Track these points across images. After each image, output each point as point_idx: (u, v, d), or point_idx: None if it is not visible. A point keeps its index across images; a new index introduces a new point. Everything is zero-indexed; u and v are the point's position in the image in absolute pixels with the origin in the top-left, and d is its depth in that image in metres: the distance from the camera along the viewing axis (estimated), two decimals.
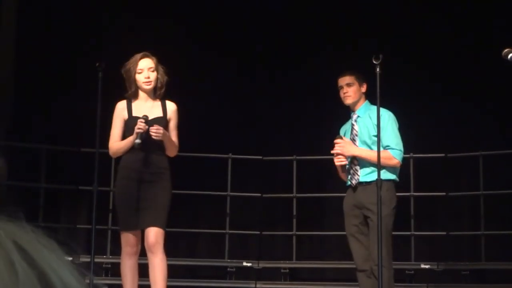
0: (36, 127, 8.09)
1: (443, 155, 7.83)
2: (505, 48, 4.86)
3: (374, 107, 5.32)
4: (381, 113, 5.27)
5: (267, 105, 8.47)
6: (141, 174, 5.09)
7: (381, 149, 5.22)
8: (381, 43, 7.54)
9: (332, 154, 5.40)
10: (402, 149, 5.34)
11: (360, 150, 5.33)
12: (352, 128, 5.46)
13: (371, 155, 5.23)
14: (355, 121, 5.46)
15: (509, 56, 4.82)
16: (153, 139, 5.08)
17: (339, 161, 5.38)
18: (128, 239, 5.08)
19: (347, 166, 5.41)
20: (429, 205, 8.08)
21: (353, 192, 5.38)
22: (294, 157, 8.11)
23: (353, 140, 5.40)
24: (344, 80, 5.50)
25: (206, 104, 8.49)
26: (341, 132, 5.57)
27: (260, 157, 8.19)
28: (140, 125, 5.01)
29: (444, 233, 7.85)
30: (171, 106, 5.28)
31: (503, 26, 7.73)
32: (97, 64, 5.46)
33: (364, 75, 5.48)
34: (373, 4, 8.40)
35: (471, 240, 8.04)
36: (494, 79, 7.66)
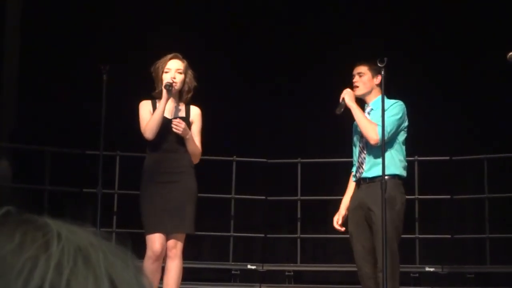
0: (40, 129, 8.10)
1: (447, 158, 7.81)
2: (509, 52, 4.85)
3: (390, 101, 5.21)
4: (390, 103, 5.19)
5: (272, 107, 8.46)
6: (163, 176, 5.05)
7: (393, 140, 5.14)
8: (386, 45, 7.53)
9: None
10: (386, 135, 5.07)
11: (355, 106, 5.16)
12: None
13: (360, 113, 5.13)
14: (368, 113, 5.27)
15: None
16: (175, 137, 5.05)
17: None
18: (152, 242, 4.98)
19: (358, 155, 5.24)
20: (433, 208, 8.07)
21: (357, 189, 5.20)
22: (298, 159, 8.10)
23: None
24: (356, 70, 5.33)
25: (210, 106, 8.47)
26: (354, 126, 5.40)
27: (265, 159, 8.19)
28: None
29: (449, 236, 7.84)
30: (195, 110, 5.24)
31: (508, 28, 7.71)
32: (101, 67, 5.45)
33: (380, 66, 5.23)
34: (379, 6, 8.39)
35: (476, 243, 8.02)
36: (499, 82, 7.64)
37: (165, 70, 5.12)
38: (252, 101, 8.49)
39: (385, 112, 5.08)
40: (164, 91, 5.03)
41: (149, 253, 4.99)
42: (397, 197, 5.06)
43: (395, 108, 5.19)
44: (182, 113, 5.17)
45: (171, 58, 5.15)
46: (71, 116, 8.13)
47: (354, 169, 5.29)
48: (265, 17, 8.63)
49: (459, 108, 8.10)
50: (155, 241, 4.98)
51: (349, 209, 5.24)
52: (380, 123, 5.06)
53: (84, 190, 7.77)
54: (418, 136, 7.78)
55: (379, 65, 5.06)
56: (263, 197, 8.18)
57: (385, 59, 5.04)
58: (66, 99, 8.19)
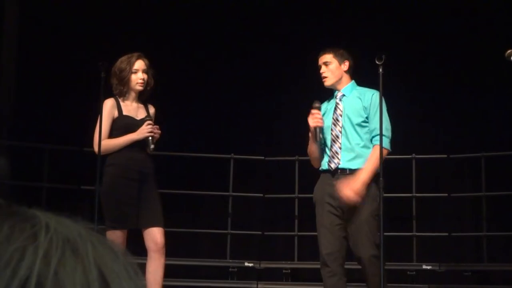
0: (38, 127, 8.10)
1: (445, 156, 7.82)
2: (508, 49, 4.86)
3: (362, 89, 5.06)
4: (369, 94, 4.97)
5: (270, 105, 8.46)
6: (133, 172, 5.11)
7: (366, 131, 4.91)
8: (384, 42, 7.53)
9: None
10: (390, 134, 4.94)
11: (363, 175, 4.81)
12: (336, 107, 5.06)
13: (372, 169, 4.82)
14: (340, 100, 5.07)
15: None
16: (143, 138, 5.17)
17: (315, 122, 4.91)
18: (116, 238, 4.97)
19: (328, 148, 4.98)
20: (431, 206, 8.07)
21: (331, 178, 4.93)
22: (296, 157, 8.10)
23: (336, 120, 5.02)
24: (321, 59, 5.09)
25: (208, 104, 8.49)
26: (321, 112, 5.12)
27: (263, 157, 8.19)
28: (153, 130, 5.12)
29: (446, 234, 7.85)
30: (152, 110, 5.36)
31: (507, 26, 7.72)
32: (99, 63, 5.47)
33: (347, 51, 5.11)
34: (378, 4, 8.40)
35: (473, 241, 8.03)
36: (496, 80, 7.65)
37: (133, 70, 5.20)
38: (250, 98, 8.49)
39: (375, 109, 4.91)
40: (143, 134, 5.11)
41: None
42: (377, 191, 4.90)
43: (379, 103, 4.95)
44: (144, 113, 5.26)
45: (137, 59, 5.23)
46: (69, 113, 8.12)
47: (326, 158, 5.02)
48: (261, 15, 8.63)
49: (456, 106, 8.11)
50: (118, 237, 5.00)
51: (315, 199, 5.04)
52: (374, 124, 4.90)
53: (82, 187, 7.78)
54: (415, 134, 7.81)
55: (377, 62, 5.00)
56: (261, 195, 8.19)
57: (383, 56, 5.01)
58: (64, 96, 8.19)
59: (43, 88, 8.28)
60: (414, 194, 7.76)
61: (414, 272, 7.45)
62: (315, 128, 4.97)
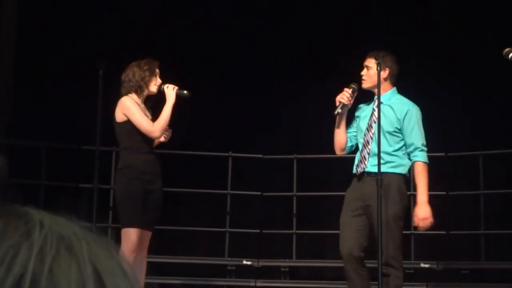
0: (36, 125, 8.09)
1: (443, 154, 7.82)
2: (506, 48, 4.87)
3: (401, 98, 5.14)
4: (409, 107, 5.08)
5: (268, 103, 8.46)
6: (146, 174, 5.23)
7: (397, 140, 5.05)
8: (383, 41, 7.53)
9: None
10: (425, 148, 5.08)
11: (421, 197, 5.01)
12: (372, 114, 5.15)
13: (425, 187, 5.02)
14: (377, 106, 5.12)
15: (510, 56, 4.83)
16: (154, 141, 5.34)
17: (339, 96, 5.06)
18: (132, 235, 5.11)
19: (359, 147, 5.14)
20: (429, 204, 8.06)
21: (358, 182, 5.10)
22: (294, 155, 8.10)
23: (370, 126, 5.12)
24: (365, 62, 5.17)
25: (207, 102, 8.49)
26: (357, 113, 5.28)
27: (261, 155, 8.19)
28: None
29: (444, 232, 7.85)
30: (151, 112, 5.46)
31: (506, 25, 7.72)
32: (97, 61, 5.48)
33: (392, 58, 5.17)
34: (379, 2, 8.40)
35: (471, 239, 8.03)
36: (495, 78, 7.65)
37: (155, 73, 5.34)
38: (248, 97, 8.48)
39: (413, 124, 5.06)
40: (172, 93, 5.27)
41: (131, 246, 5.09)
42: (403, 195, 5.09)
43: (420, 119, 5.12)
44: (150, 116, 5.36)
45: (156, 65, 5.36)
46: (67, 111, 8.12)
47: (356, 161, 5.18)
48: (262, 13, 8.63)
49: (454, 104, 8.11)
50: (135, 234, 5.12)
51: (347, 199, 5.15)
52: (411, 139, 5.05)
53: (80, 185, 7.78)
54: None
55: (375, 61, 5.05)
56: (259, 193, 8.19)
57: (382, 54, 5.05)
58: (61, 94, 8.18)
59: (41, 86, 8.28)
60: (412, 192, 7.74)
61: (412, 270, 7.45)
62: (339, 102, 5.12)
